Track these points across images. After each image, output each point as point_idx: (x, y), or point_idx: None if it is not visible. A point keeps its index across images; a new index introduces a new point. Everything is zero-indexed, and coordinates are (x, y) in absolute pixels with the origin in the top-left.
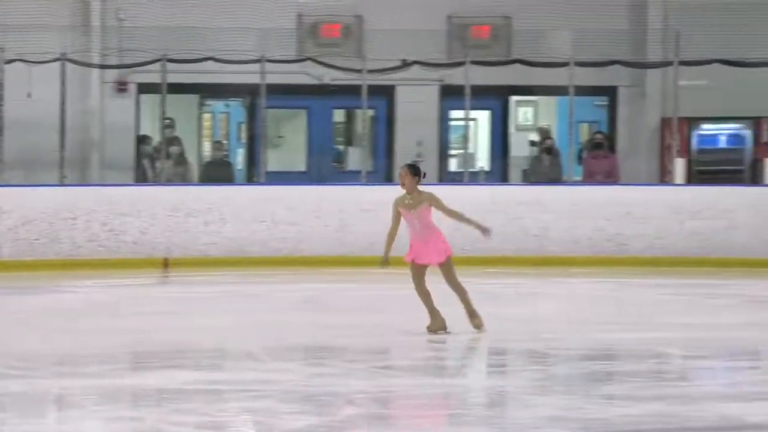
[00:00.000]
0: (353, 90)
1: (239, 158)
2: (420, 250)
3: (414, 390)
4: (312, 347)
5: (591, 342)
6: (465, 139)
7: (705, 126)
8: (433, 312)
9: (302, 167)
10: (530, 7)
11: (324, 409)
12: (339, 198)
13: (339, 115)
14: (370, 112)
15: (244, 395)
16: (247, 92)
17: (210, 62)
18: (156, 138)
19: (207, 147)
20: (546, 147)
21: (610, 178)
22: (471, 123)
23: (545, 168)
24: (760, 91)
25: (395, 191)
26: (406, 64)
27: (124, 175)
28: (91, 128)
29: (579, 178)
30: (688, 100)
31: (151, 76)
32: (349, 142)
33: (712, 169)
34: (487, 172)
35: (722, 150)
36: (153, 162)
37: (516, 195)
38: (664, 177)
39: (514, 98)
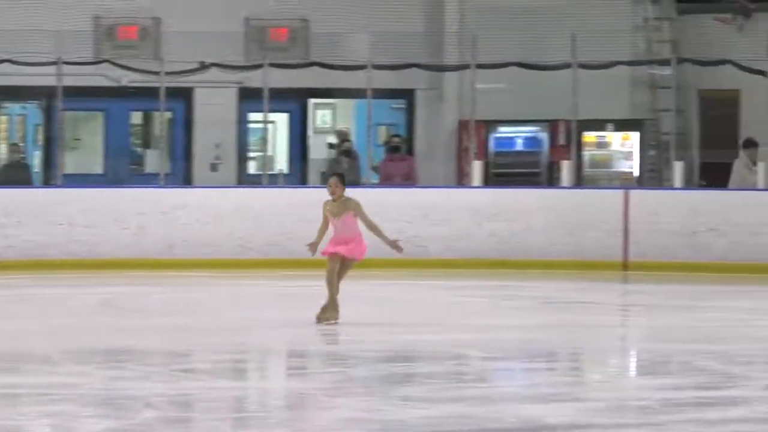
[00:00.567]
0: (151, 92)
1: (36, 161)
2: (338, 244)
3: (213, 393)
4: (111, 350)
5: (390, 344)
6: (264, 141)
7: (502, 129)
8: (333, 303)
9: (100, 170)
10: (328, 10)
11: (123, 412)
12: (137, 200)
13: (136, 118)
14: (168, 115)
15: (42, 399)
16: (44, 94)
17: (6, 64)
18: None
19: (3, 149)
20: (344, 149)
21: (408, 180)
22: (269, 126)
23: (344, 170)
24: (556, 94)
25: (193, 194)
26: (203, 67)
27: None
28: None
29: (377, 181)
30: (485, 102)
31: None
32: (146, 145)
33: (509, 172)
34: (285, 175)
35: (519, 152)
36: None
37: (314, 197)
38: (461, 179)
39: (312, 101)
